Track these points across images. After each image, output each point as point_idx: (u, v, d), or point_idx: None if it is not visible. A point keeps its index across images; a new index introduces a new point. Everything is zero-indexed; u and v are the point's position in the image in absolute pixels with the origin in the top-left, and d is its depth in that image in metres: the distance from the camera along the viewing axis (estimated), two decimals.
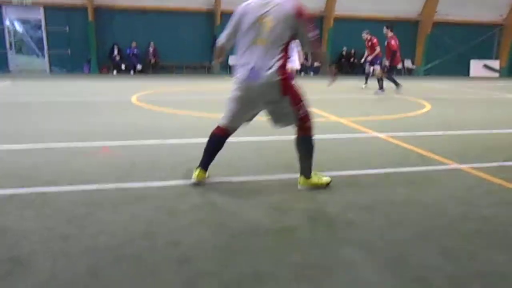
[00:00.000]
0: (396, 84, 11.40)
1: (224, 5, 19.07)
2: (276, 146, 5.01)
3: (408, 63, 21.78)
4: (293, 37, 3.15)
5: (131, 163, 4.08)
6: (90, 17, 17.89)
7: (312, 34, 3.16)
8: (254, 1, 3.16)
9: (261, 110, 3.42)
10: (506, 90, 13.89)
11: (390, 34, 11.52)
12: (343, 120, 6.83)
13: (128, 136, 5.36)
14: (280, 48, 3.11)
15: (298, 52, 12.54)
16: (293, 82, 3.27)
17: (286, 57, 3.16)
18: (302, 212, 2.94)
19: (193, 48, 19.35)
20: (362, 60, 13.40)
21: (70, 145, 4.78)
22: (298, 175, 3.50)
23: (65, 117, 6.86)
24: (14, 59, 18.61)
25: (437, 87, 13.39)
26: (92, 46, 18.11)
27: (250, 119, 3.58)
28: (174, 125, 6.24)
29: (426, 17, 20.93)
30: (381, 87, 11.67)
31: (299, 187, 3.45)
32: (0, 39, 17.77)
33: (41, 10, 17.85)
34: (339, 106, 8.99)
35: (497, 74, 21.80)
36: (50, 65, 18.37)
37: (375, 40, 12.55)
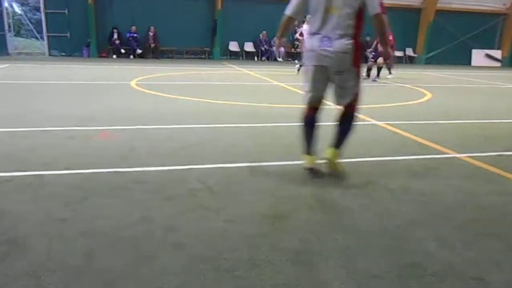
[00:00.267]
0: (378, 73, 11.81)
1: None
2: (272, 132, 5.00)
3: (409, 51, 21.65)
4: (363, 4, 3.04)
5: (130, 147, 4.07)
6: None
7: (378, 3, 3.04)
8: None
9: (331, 82, 3.30)
10: (507, 80, 13.83)
11: None
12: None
13: (127, 120, 5.35)
14: (352, 16, 3.05)
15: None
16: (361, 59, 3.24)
17: (359, 25, 3.08)
18: (299, 198, 2.95)
19: (193, 32, 19.19)
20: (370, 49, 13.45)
21: (69, 129, 4.77)
22: (293, 162, 3.50)
23: (64, 100, 6.83)
24: (13, 42, 18.48)
25: (438, 76, 13.33)
26: (92, 30, 17.95)
27: (323, 95, 3.42)
28: (174, 110, 6.21)
29: (429, 4, 20.73)
30: (378, 75, 11.81)
31: (325, 158, 3.40)
32: None
33: None
34: None
35: (499, 64, 21.68)
36: (49, 48, 18.24)
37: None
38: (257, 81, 11.03)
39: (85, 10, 17.76)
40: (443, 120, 6.12)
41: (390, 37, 11.39)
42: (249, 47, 19.99)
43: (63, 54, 18.14)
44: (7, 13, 18.11)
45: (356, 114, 3.40)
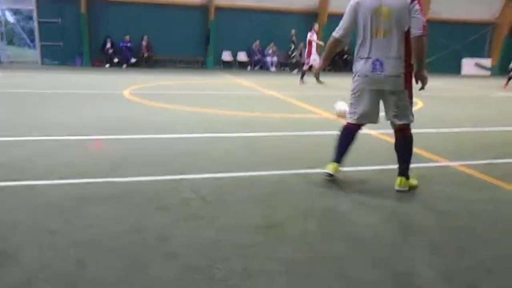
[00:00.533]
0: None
1: (219, 0, 19.02)
2: (267, 142, 5.01)
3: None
4: (409, 27, 3.05)
5: (123, 157, 4.06)
6: (83, 9, 17.73)
7: (424, 18, 3.05)
8: None
9: (388, 104, 3.31)
10: (497, 88, 14.00)
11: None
12: (333, 117, 6.83)
13: (120, 130, 5.33)
14: (402, 38, 3.08)
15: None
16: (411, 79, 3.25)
17: (408, 46, 3.10)
18: (293, 208, 2.95)
19: (187, 42, 19.27)
20: None
21: (62, 138, 4.75)
22: (287, 171, 3.51)
23: (57, 109, 6.80)
24: (5, 50, 18.41)
25: (429, 85, 13.42)
26: (85, 39, 17.96)
27: (377, 118, 3.44)
28: (167, 120, 6.21)
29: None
30: None
31: (396, 188, 3.37)
32: None
33: (33, 1, 17.65)
34: (331, 103, 8.99)
35: (488, 73, 21.94)
36: (42, 57, 18.20)
37: None
38: (250, 90, 11.07)
39: (78, 19, 17.80)
40: (435, 128, 6.17)
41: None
42: (242, 56, 20.08)
43: (56, 63, 18.11)
44: (0, 22, 18.07)
45: (411, 133, 3.40)
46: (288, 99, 9.09)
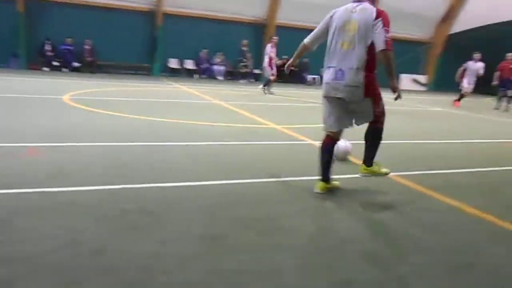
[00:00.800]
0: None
1: (167, 6, 18.78)
2: (211, 151, 4.98)
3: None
4: (372, 42, 3.26)
5: (60, 166, 3.86)
6: (20, 7, 16.78)
7: (387, 34, 3.22)
8: (343, 7, 3.41)
9: (349, 110, 3.50)
10: (433, 103, 14.89)
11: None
12: (281, 128, 6.94)
13: (58, 137, 5.08)
14: (364, 51, 3.28)
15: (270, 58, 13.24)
16: (376, 84, 3.44)
17: (371, 59, 3.31)
18: (235, 219, 2.94)
19: (133, 48, 18.81)
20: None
21: None
22: (232, 181, 3.50)
23: None
24: None
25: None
26: (21, 39, 16.97)
27: (349, 123, 3.62)
28: (109, 127, 6.00)
29: None
30: None
31: (358, 174, 3.72)
32: None
33: None
34: (278, 114, 9.14)
35: (425, 88, 23.28)
36: None
37: None
38: (197, 99, 10.98)
39: (14, 18, 16.78)
40: None
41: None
42: (189, 64, 19.91)
43: None
44: None
45: (380, 128, 3.60)
46: (235, 108, 9.11)
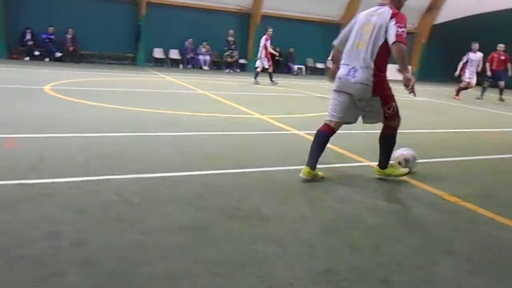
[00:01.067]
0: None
1: None
2: (195, 141, 4.96)
3: (330, 64, 22.72)
4: (386, 40, 3.42)
5: (40, 157, 3.80)
6: None
7: (400, 29, 3.34)
8: (367, 11, 3.62)
9: (359, 107, 3.65)
10: (418, 93, 15.00)
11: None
12: (265, 118, 6.94)
13: (38, 128, 4.99)
14: (374, 51, 3.46)
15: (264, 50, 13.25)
16: (387, 83, 3.61)
17: (382, 60, 3.50)
18: (218, 209, 2.93)
19: (116, 37, 18.54)
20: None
21: None
22: (215, 171, 3.50)
23: None
24: None
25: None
26: (0, 28, 16.58)
27: (354, 119, 3.76)
28: (91, 118, 5.92)
29: (347, 20, 21.94)
30: None
31: (376, 175, 3.88)
32: None
33: None
34: (264, 104, 9.13)
35: None
36: None
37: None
38: (182, 89, 10.90)
39: None
40: (358, 130, 6.46)
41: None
42: (174, 54, 19.73)
43: None
44: None
45: (393, 134, 3.76)
46: (220, 98, 9.07)
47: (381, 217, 3.02)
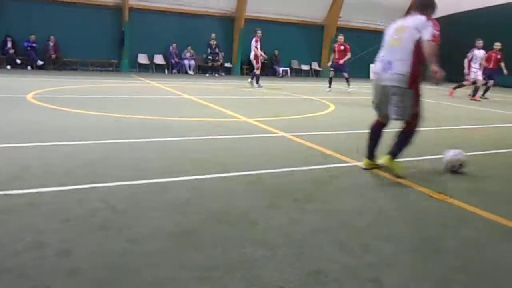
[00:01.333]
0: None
1: (134, 1, 18.42)
2: (182, 147, 4.92)
3: (315, 65, 22.87)
4: (421, 37, 3.67)
5: (23, 167, 3.72)
6: None
7: (436, 32, 3.66)
8: (398, 21, 3.98)
9: (391, 102, 3.85)
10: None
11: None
12: (252, 121, 6.93)
13: (21, 137, 4.91)
14: (410, 46, 3.70)
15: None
16: (420, 83, 3.82)
17: (417, 54, 3.68)
18: (206, 213, 2.91)
19: (99, 44, 18.37)
20: (330, 63, 14.39)
21: None
22: (203, 176, 3.48)
23: None
24: None
25: (341, 88, 14.21)
26: None
27: (387, 112, 3.96)
28: (75, 126, 5.84)
29: (330, 22, 22.13)
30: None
31: (379, 161, 4.05)
32: None
33: None
34: (250, 107, 9.13)
35: None
36: None
37: (348, 46, 13.92)
38: (167, 94, 10.84)
39: None
40: (345, 130, 6.51)
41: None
42: (159, 59, 19.62)
43: None
44: None
45: (414, 130, 3.92)
46: (206, 103, 9.04)
47: (369, 217, 3.02)
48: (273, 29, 20.24)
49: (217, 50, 19.41)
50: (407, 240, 2.67)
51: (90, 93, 10.11)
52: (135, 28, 18.48)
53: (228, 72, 20.56)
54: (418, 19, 3.78)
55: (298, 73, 22.45)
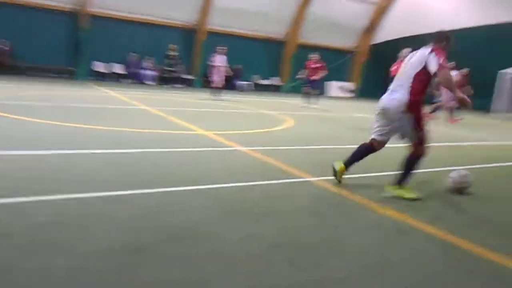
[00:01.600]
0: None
1: (92, 7, 18.02)
2: (137, 159, 4.82)
3: (275, 80, 23.18)
4: (424, 68, 3.82)
5: None
6: None
7: (440, 59, 3.76)
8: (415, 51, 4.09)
9: (395, 128, 4.02)
10: (359, 109, 15.65)
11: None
12: (210, 134, 6.90)
13: None
14: (412, 75, 3.88)
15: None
16: (421, 108, 3.97)
17: (418, 83, 3.86)
18: (158, 229, 2.84)
19: (55, 50, 17.80)
20: (299, 77, 15.03)
21: None
22: (158, 189, 3.41)
23: None
24: None
25: (300, 104, 14.45)
26: None
27: (388, 137, 4.13)
28: (26, 134, 5.59)
29: (291, 38, 22.58)
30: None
31: (384, 193, 4.06)
32: None
33: None
34: (208, 120, 9.09)
35: (352, 95, 24.41)
36: None
37: (323, 64, 14.32)
38: (124, 104, 10.61)
39: None
40: (301, 146, 6.61)
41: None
42: (118, 68, 19.23)
43: None
44: None
45: (417, 158, 4.00)
46: (164, 114, 8.92)
47: (322, 232, 3.06)
48: (235, 43, 20.35)
49: (176, 61, 19.28)
50: (357, 256, 2.71)
51: (44, 101, 9.69)
52: (92, 36, 18.05)
53: (189, 84, 20.44)
54: (422, 51, 3.92)
55: (258, 88, 22.64)
